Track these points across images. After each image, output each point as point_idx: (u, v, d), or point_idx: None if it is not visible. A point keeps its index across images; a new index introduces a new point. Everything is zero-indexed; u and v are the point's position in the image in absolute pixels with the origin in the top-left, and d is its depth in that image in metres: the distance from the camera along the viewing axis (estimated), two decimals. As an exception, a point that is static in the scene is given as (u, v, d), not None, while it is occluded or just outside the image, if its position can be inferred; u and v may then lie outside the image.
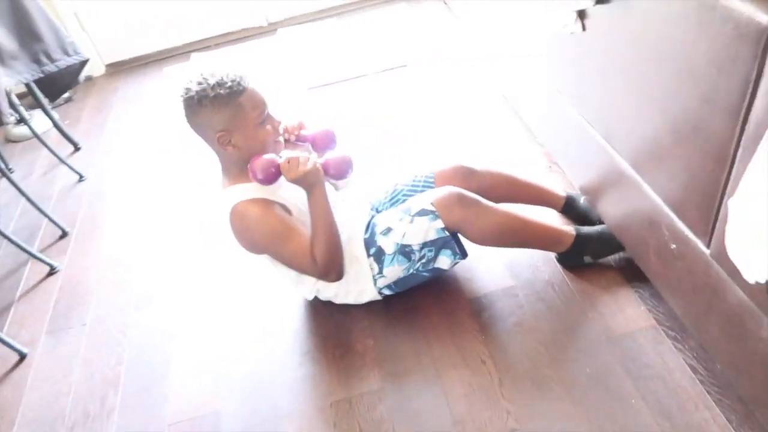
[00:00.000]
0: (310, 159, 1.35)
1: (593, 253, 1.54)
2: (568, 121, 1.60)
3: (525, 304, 1.52)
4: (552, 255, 1.60)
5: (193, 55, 3.29)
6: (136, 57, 3.36)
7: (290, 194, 1.44)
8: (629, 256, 1.51)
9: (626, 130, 1.32)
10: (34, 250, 2.01)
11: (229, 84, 1.32)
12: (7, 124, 2.09)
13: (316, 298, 1.61)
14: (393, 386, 1.41)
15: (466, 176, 1.60)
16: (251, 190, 1.40)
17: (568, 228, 1.56)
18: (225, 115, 1.33)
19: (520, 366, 1.39)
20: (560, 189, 1.72)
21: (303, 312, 1.65)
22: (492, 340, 1.45)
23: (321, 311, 1.63)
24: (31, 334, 1.77)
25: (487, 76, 2.50)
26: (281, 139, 1.44)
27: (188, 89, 1.33)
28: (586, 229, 1.55)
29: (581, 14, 1.38)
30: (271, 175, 1.36)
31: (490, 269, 1.64)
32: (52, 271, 2.00)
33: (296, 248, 1.40)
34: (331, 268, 1.43)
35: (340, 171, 1.42)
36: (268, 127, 1.39)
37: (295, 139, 1.50)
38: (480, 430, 1.28)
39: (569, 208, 1.69)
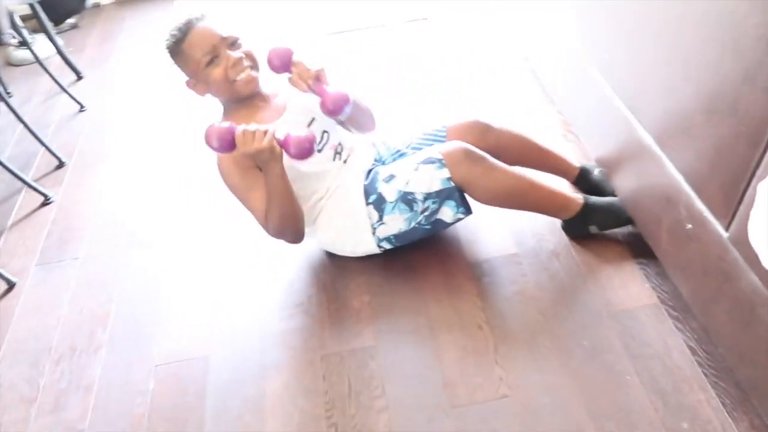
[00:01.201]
0: (267, 135, 1.27)
1: (599, 223, 1.51)
2: (591, 87, 1.54)
3: (528, 273, 1.49)
4: (558, 225, 1.57)
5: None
6: (146, -13, 3.24)
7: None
8: (638, 232, 1.47)
9: (654, 101, 1.26)
10: (28, 179, 1.96)
11: (173, 32, 1.38)
12: (7, 44, 2.01)
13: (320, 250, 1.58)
14: (386, 344, 1.39)
15: (482, 132, 1.54)
16: None
17: (577, 195, 1.52)
18: (181, 64, 1.42)
19: (517, 334, 1.37)
20: (575, 159, 1.67)
21: (300, 263, 1.62)
22: (490, 306, 1.43)
23: (319, 263, 1.60)
24: (21, 264, 1.75)
25: (509, 35, 2.41)
26: (251, 73, 1.40)
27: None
28: (595, 198, 1.51)
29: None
30: (227, 144, 1.28)
31: (494, 235, 1.60)
32: (46, 202, 1.96)
33: (253, 208, 1.43)
34: (283, 236, 1.48)
35: (300, 150, 1.29)
36: (217, 68, 1.38)
37: (306, 89, 1.38)
38: (471, 394, 1.26)
39: (582, 180, 1.63)
